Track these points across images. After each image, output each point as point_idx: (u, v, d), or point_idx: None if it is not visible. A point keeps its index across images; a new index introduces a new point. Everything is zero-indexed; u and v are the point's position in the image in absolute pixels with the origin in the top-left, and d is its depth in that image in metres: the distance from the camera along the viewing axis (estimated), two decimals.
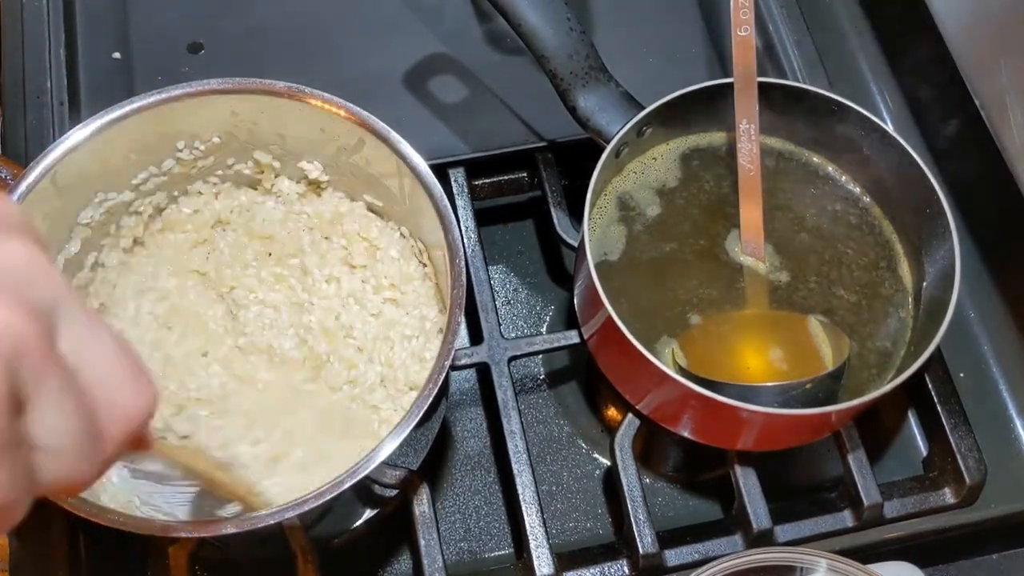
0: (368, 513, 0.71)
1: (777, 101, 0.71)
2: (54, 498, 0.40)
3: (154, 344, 0.67)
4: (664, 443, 0.78)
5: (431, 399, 0.57)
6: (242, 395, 0.67)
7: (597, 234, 0.70)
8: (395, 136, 0.65)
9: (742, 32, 0.68)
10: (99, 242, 0.69)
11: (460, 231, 0.68)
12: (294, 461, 0.64)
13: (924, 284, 0.69)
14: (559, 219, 0.77)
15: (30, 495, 0.34)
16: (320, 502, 0.54)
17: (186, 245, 0.71)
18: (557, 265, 0.84)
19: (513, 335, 0.78)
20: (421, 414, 0.56)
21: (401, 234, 0.71)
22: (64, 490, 0.39)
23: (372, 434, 0.65)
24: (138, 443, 0.41)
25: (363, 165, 0.69)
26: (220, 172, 0.72)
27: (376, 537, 0.73)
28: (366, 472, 0.55)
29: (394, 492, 0.70)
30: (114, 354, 0.36)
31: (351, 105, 0.65)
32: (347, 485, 0.54)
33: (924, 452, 0.76)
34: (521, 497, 0.68)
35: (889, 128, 0.69)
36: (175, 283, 0.70)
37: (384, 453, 0.56)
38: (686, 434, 0.68)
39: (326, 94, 0.66)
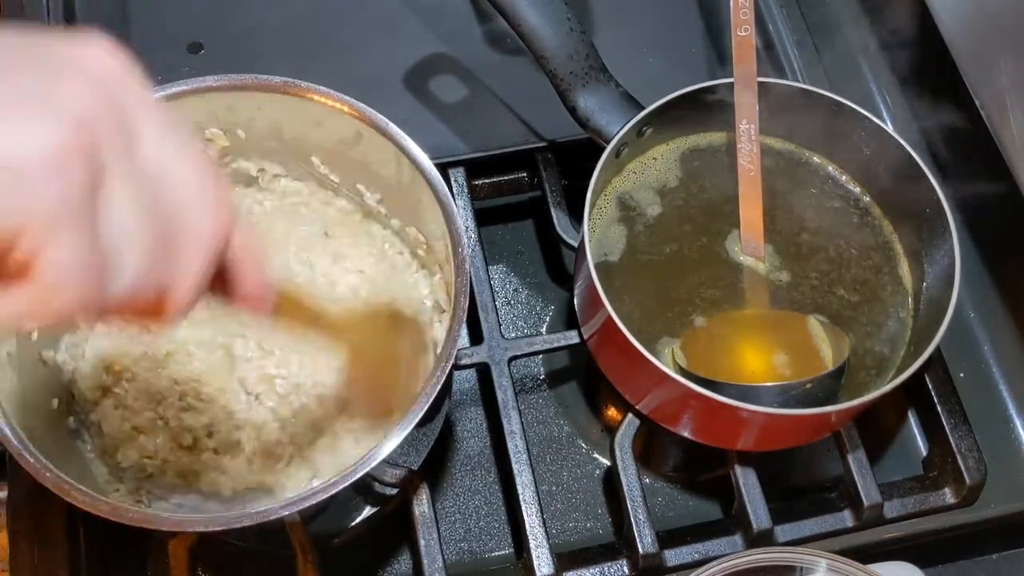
0: (368, 511, 0.71)
1: (777, 101, 0.70)
2: (137, 322, 0.39)
3: None
4: (664, 443, 0.78)
5: (434, 395, 0.56)
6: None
7: (597, 234, 0.70)
8: (394, 128, 0.65)
9: (742, 32, 0.68)
10: None
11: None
12: None
13: (924, 284, 0.69)
14: (559, 219, 0.77)
15: (104, 294, 0.34)
16: (321, 498, 0.54)
17: None
18: (557, 265, 0.84)
19: (513, 335, 0.78)
20: (424, 411, 0.56)
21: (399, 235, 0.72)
22: (141, 309, 0.38)
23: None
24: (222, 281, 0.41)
25: (362, 159, 0.69)
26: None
27: (376, 537, 0.73)
28: (367, 469, 0.55)
29: (394, 491, 0.70)
30: (196, 170, 0.36)
31: (348, 98, 0.65)
32: (347, 482, 0.54)
33: (924, 452, 0.76)
34: (521, 497, 0.68)
35: (889, 128, 0.69)
36: None
37: (386, 450, 0.55)
38: (686, 434, 0.68)
39: (322, 87, 0.65)
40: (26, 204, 0.30)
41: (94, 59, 0.34)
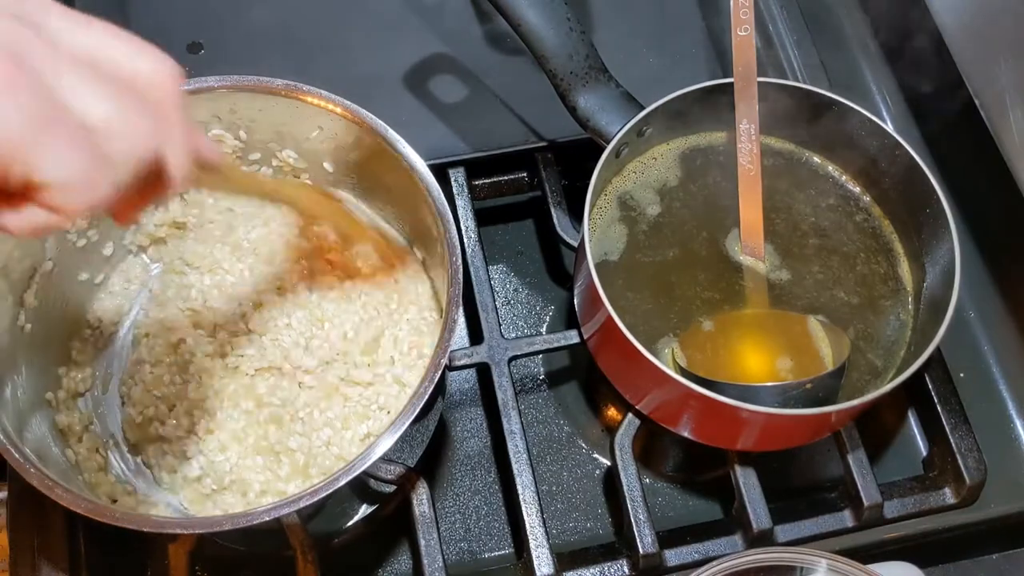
0: (367, 510, 0.71)
1: (777, 101, 0.70)
2: (153, 198, 0.44)
3: None
4: (664, 443, 0.78)
5: (427, 396, 0.57)
6: None
7: (597, 234, 0.70)
8: (392, 134, 0.65)
9: (742, 32, 0.68)
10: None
11: (460, 231, 0.68)
12: None
13: (924, 284, 0.69)
14: (559, 219, 0.77)
15: (110, 176, 0.38)
16: (316, 499, 0.54)
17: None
18: (557, 265, 0.84)
19: (513, 335, 0.78)
20: (416, 411, 0.57)
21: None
22: (152, 184, 0.42)
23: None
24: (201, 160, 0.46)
25: (361, 163, 0.69)
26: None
27: (376, 537, 0.73)
28: (362, 469, 0.55)
29: (392, 488, 0.70)
30: (116, 37, 0.40)
31: (349, 103, 0.65)
32: (343, 482, 0.55)
33: (924, 452, 0.76)
34: (521, 497, 0.68)
35: (889, 128, 0.69)
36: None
37: (380, 450, 0.56)
38: (686, 434, 0.68)
39: (324, 92, 0.66)
40: None
41: None
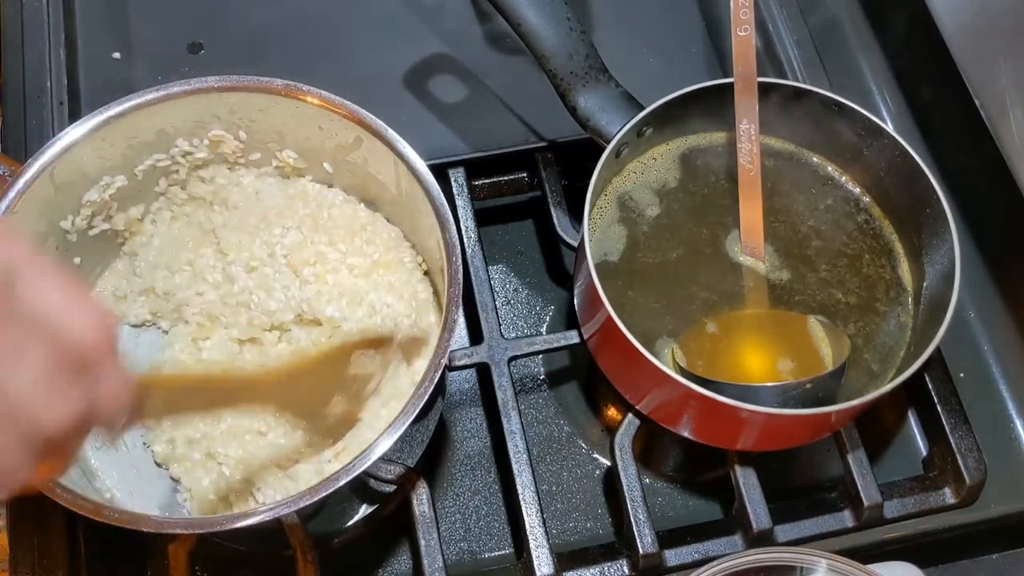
0: (367, 510, 0.71)
1: (777, 101, 0.71)
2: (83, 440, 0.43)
3: None
4: (664, 443, 0.78)
5: (426, 397, 0.57)
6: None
7: (597, 234, 0.70)
8: (392, 134, 0.65)
9: (742, 32, 0.68)
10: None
11: (460, 231, 0.68)
12: None
13: (924, 284, 0.69)
14: (559, 219, 0.77)
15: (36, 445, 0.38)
16: (316, 499, 0.54)
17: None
18: (557, 265, 0.84)
19: (513, 335, 0.78)
20: (416, 412, 0.57)
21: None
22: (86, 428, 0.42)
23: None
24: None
25: (361, 163, 0.69)
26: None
27: (376, 537, 0.73)
28: (361, 469, 0.55)
29: (392, 488, 0.70)
30: (66, 295, 0.40)
31: (349, 103, 0.65)
32: (343, 482, 0.55)
33: (924, 452, 0.76)
34: (521, 497, 0.68)
35: (889, 128, 0.69)
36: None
37: (380, 450, 0.56)
38: (686, 434, 0.68)
39: (324, 92, 0.66)
40: None
41: None
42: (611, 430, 0.73)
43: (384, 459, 0.57)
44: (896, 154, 0.68)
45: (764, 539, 0.68)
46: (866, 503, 0.69)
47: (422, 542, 0.66)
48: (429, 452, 0.74)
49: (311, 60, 0.85)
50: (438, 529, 0.67)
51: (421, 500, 0.67)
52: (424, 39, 0.85)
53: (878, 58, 0.89)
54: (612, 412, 0.78)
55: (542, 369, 0.81)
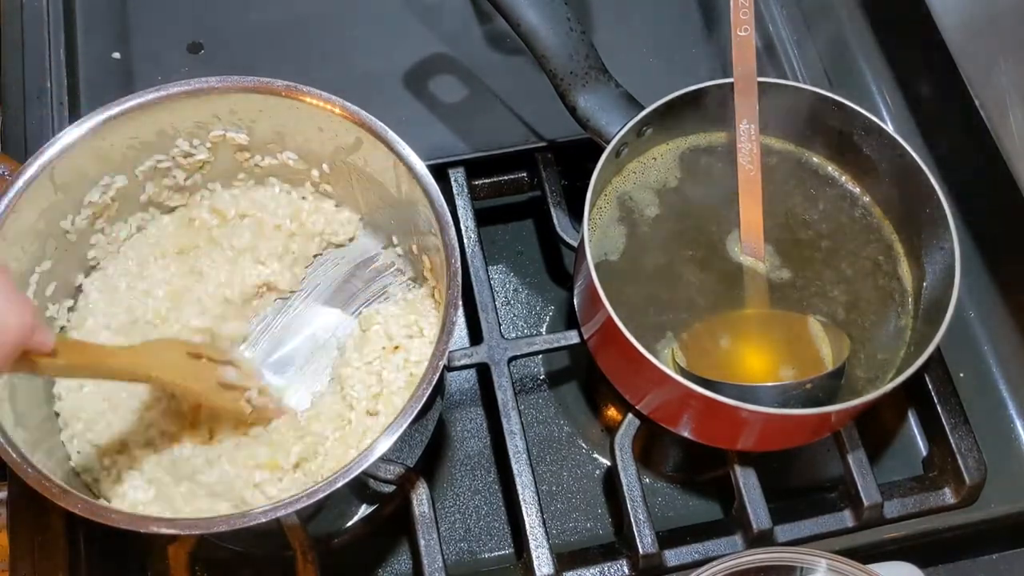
0: (367, 510, 0.71)
1: (777, 101, 0.70)
2: None
3: None
4: (664, 443, 0.78)
5: (425, 397, 0.57)
6: None
7: (597, 234, 0.70)
8: (392, 136, 0.65)
9: (742, 32, 0.68)
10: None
11: (460, 231, 0.68)
12: None
13: (924, 284, 0.69)
14: (559, 219, 0.77)
15: None
16: (315, 499, 0.54)
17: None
18: (557, 265, 0.84)
19: (513, 335, 0.78)
20: (415, 412, 0.57)
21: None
22: None
23: None
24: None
25: (361, 165, 0.69)
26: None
27: (376, 537, 0.73)
28: (360, 470, 0.55)
29: (392, 488, 0.70)
30: None
31: (349, 104, 0.65)
32: (341, 483, 0.55)
33: (924, 452, 0.76)
34: (521, 497, 0.68)
35: (889, 128, 0.69)
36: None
37: (379, 450, 0.56)
38: (686, 434, 0.68)
39: (324, 93, 0.66)
40: None
41: None
42: (611, 430, 0.73)
43: (384, 459, 0.57)
44: (896, 154, 0.68)
45: (764, 539, 0.68)
46: (866, 503, 0.69)
47: (422, 542, 0.66)
48: (429, 452, 0.74)
49: (311, 60, 0.85)
50: (438, 529, 0.67)
51: (421, 500, 0.67)
52: (424, 39, 0.85)
53: (878, 58, 0.89)
54: (612, 412, 0.78)
55: (542, 369, 0.81)
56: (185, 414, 0.66)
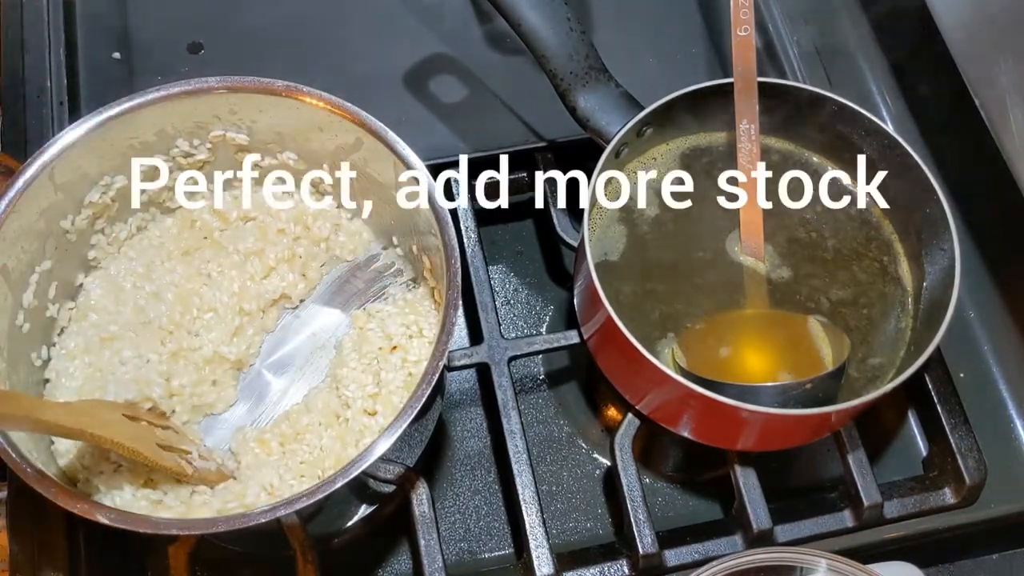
0: (367, 510, 0.71)
1: (777, 101, 0.70)
2: None
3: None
4: (664, 443, 0.78)
5: (425, 397, 0.57)
6: None
7: (597, 234, 0.70)
8: (392, 136, 0.65)
9: (742, 32, 0.68)
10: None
11: (460, 231, 0.68)
12: None
13: (924, 284, 0.69)
14: (559, 219, 0.77)
15: None
16: (314, 500, 0.54)
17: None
18: (557, 265, 0.84)
19: (513, 335, 0.78)
20: (415, 413, 0.57)
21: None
22: None
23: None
24: None
25: (361, 165, 0.69)
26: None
27: (376, 537, 0.73)
28: (360, 470, 0.55)
29: (392, 488, 0.70)
30: None
31: (349, 104, 0.65)
32: (340, 483, 0.55)
33: (924, 452, 0.76)
34: (521, 497, 0.68)
35: (889, 128, 0.69)
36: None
37: (379, 451, 0.56)
38: (686, 434, 0.68)
39: (324, 93, 0.66)
40: None
41: None
42: (611, 430, 0.73)
43: (383, 459, 0.57)
44: (896, 154, 0.68)
45: (764, 539, 0.68)
46: (866, 503, 0.69)
47: (422, 542, 0.66)
48: (429, 452, 0.74)
49: (311, 60, 0.85)
50: (438, 529, 0.67)
51: (421, 500, 0.67)
52: (424, 39, 0.85)
53: (878, 58, 0.89)
54: (612, 412, 0.78)
55: (542, 369, 0.81)
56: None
